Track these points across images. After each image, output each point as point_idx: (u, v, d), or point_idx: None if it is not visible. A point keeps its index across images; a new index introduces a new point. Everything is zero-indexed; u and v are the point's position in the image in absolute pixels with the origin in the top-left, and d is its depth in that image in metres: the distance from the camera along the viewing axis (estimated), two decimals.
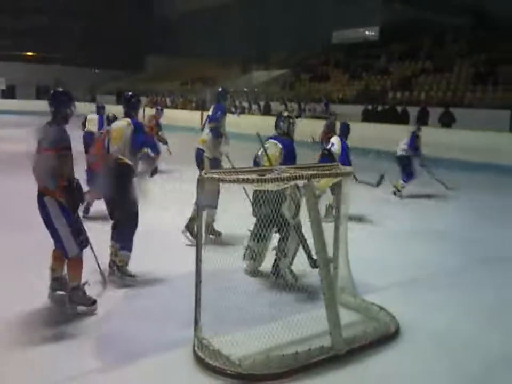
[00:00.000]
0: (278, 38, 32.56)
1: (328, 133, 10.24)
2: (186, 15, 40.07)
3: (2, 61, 36.79)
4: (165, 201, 7.17)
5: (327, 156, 6.80)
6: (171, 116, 27.07)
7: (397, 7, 28.20)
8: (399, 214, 7.78)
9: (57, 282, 4.01)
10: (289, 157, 4.79)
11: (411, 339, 3.58)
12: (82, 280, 3.94)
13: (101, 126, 8.77)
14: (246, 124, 15.11)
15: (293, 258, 4.58)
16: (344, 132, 7.34)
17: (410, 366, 3.27)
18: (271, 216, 3.98)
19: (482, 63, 20.21)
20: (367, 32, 30.05)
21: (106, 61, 38.34)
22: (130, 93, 5.02)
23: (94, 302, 3.93)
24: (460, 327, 3.84)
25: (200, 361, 3.16)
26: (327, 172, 3.92)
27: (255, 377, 3.01)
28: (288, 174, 3.52)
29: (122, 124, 4.71)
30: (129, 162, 4.55)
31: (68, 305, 3.89)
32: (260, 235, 4.47)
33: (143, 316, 3.87)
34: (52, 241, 3.86)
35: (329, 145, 7.19)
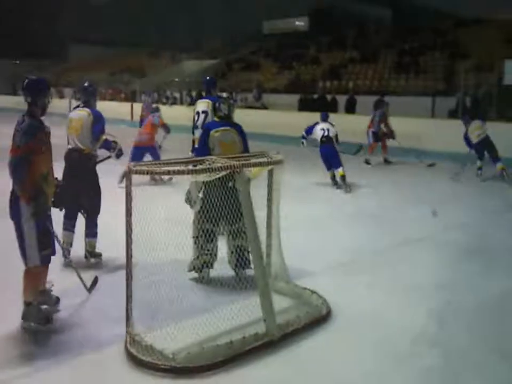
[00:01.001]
0: (210, 27, 32.27)
1: (383, 121, 11.16)
2: (113, 2, 38.74)
3: None
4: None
5: None
6: (100, 107, 26.28)
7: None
8: (330, 198, 7.99)
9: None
10: (246, 143, 4.58)
11: (342, 320, 3.69)
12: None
13: None
14: (179, 115, 14.87)
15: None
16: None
17: (341, 347, 3.38)
18: (225, 210, 3.67)
19: (404, 52, 21.08)
20: (297, 23, 30.45)
21: (27, 51, 36.32)
22: (87, 83, 5.14)
23: (48, 320, 3.57)
24: (386, 307, 3.99)
25: (133, 358, 3.09)
26: (259, 160, 3.93)
27: (189, 369, 2.99)
28: (220, 164, 3.49)
29: (82, 114, 4.85)
30: (91, 151, 4.82)
31: (22, 321, 3.54)
32: (212, 232, 4.24)
33: (73, 314, 3.74)
34: None
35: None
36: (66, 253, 4.17)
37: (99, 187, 4.88)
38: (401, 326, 3.68)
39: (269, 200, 4.00)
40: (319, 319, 3.66)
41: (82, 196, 4.74)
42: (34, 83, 3.71)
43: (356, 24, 25.26)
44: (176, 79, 27.25)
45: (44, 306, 3.67)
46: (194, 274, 4.38)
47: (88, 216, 4.83)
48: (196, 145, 5.47)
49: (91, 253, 4.83)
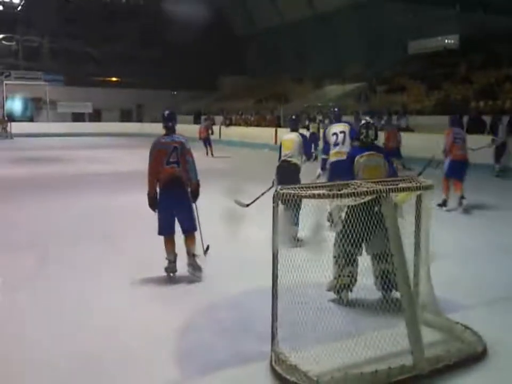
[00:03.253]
0: (353, 51, 32.22)
1: None
2: (257, 34, 40.81)
3: (88, 86, 39.39)
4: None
5: None
6: (247, 133, 27.86)
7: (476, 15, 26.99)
8: (485, 225, 7.37)
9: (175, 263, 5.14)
10: (392, 166, 4.66)
11: (498, 361, 3.37)
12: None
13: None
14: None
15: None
16: None
17: None
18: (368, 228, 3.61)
19: None
20: (446, 41, 29.05)
21: (182, 83, 39.85)
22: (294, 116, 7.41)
23: (200, 269, 5.08)
24: None
25: (277, 376, 3.16)
26: (406, 185, 3.81)
27: None
28: (365, 189, 3.47)
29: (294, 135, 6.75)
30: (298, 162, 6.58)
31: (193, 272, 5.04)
32: (352, 255, 4.19)
33: (221, 329, 3.94)
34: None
35: None
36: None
37: None
38: None
39: (417, 227, 3.84)
40: (473, 357, 3.38)
41: None
42: (172, 114, 5.34)
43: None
44: (319, 104, 27.63)
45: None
46: (334, 296, 4.36)
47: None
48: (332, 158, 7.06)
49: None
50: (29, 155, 19.23)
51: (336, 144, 7.07)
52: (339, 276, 4.30)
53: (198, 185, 5.09)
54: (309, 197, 3.63)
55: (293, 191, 3.56)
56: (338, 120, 7.58)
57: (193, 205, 5.12)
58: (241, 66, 42.12)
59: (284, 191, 3.51)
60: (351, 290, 4.35)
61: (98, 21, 38.81)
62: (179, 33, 33.92)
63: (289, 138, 6.76)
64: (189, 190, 5.07)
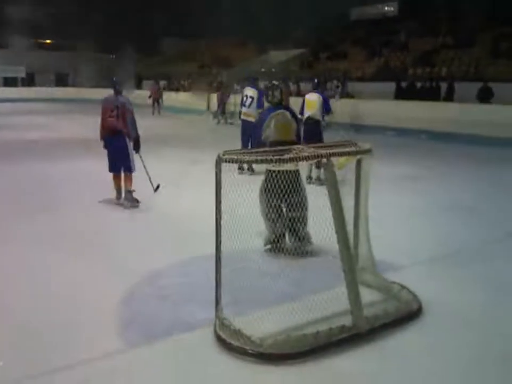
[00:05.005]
0: (296, 16, 32.00)
1: None
2: None
3: (21, 49, 37.11)
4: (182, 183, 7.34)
5: None
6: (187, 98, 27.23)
7: None
8: (417, 187, 7.67)
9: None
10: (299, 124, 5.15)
11: (433, 318, 3.54)
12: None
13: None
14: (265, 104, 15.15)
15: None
16: None
17: (432, 345, 3.23)
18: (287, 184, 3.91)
19: (503, 36, 19.59)
20: (386, 8, 29.41)
21: (121, 46, 38.32)
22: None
23: (137, 201, 6.39)
24: (482, 304, 3.78)
25: (221, 341, 3.18)
26: (346, 150, 3.86)
27: (276, 356, 3.02)
28: (307, 153, 3.47)
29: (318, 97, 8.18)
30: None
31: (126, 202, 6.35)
32: (277, 208, 4.58)
33: (164, 297, 3.90)
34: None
35: None
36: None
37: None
38: (500, 324, 3.47)
39: (357, 190, 3.91)
40: (409, 315, 3.53)
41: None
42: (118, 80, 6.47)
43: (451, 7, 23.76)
44: (262, 69, 27.42)
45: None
46: (277, 260, 4.43)
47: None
48: (242, 116, 8.97)
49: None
50: None
51: (244, 105, 8.94)
52: (273, 228, 4.69)
53: (137, 138, 6.34)
54: (251, 162, 3.61)
55: (235, 156, 3.52)
56: (252, 85, 9.11)
57: (133, 152, 6.36)
58: (182, 29, 40.88)
59: (226, 156, 3.46)
60: (285, 237, 4.77)
61: None
62: None
63: (312, 99, 8.19)
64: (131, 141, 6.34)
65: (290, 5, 32.17)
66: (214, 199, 3.26)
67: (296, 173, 4.18)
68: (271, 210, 4.61)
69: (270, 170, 4.29)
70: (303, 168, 3.72)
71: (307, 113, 8.15)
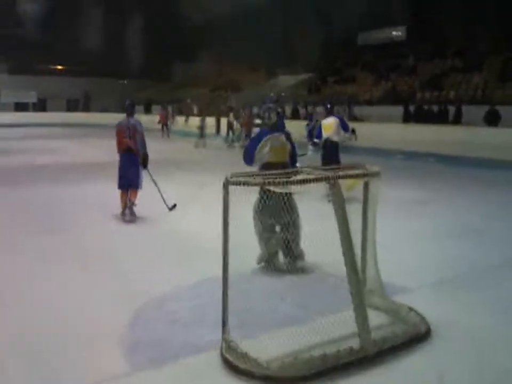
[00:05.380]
0: (304, 41, 32.45)
1: None
2: (209, 22, 40.36)
3: (33, 75, 37.85)
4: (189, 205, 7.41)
5: None
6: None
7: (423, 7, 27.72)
8: (426, 211, 7.63)
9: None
10: (294, 147, 5.22)
11: (442, 340, 3.50)
12: None
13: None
14: None
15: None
16: None
17: (441, 368, 3.20)
18: (280, 204, 4.02)
19: (511, 60, 19.72)
20: (393, 33, 29.73)
21: (132, 71, 39.05)
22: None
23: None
24: (493, 327, 3.74)
25: (228, 364, 3.16)
26: (354, 172, 3.89)
27: (284, 379, 3.00)
28: (314, 176, 3.51)
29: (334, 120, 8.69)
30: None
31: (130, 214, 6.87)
32: (271, 227, 4.72)
33: (171, 319, 3.89)
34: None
35: None
36: None
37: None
38: (505, 349, 3.42)
39: (365, 213, 3.93)
40: (418, 337, 3.50)
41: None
42: (131, 103, 7.36)
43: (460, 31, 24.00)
44: (271, 94, 27.72)
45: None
46: (283, 283, 4.41)
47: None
48: None
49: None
50: None
51: None
52: (267, 247, 4.82)
53: (145, 155, 7.04)
54: (259, 184, 3.65)
55: (242, 179, 3.56)
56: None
57: (141, 169, 7.02)
58: (193, 55, 41.58)
59: (234, 179, 3.50)
60: (277, 256, 4.90)
61: (43, 9, 37.31)
62: (127, 22, 33.15)
63: (328, 122, 8.73)
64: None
65: (299, 29, 32.68)
66: (221, 221, 3.29)
67: (288, 193, 4.26)
68: (264, 229, 4.75)
69: (263, 191, 4.29)
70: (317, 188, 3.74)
71: (325, 135, 8.67)
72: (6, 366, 3.23)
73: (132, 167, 6.95)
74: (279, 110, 6.00)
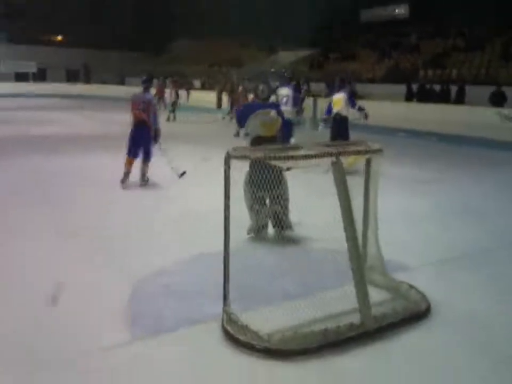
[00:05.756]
0: (305, 16, 31.92)
1: None
2: None
3: (33, 44, 37.33)
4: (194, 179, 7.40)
5: None
6: (199, 97, 27.24)
7: None
8: (428, 189, 7.62)
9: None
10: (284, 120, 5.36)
11: (442, 318, 3.52)
12: None
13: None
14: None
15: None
16: None
17: (440, 345, 3.22)
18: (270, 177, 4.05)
19: None
20: (396, 10, 29.27)
21: (132, 44, 38.53)
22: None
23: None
24: (490, 305, 3.76)
25: (228, 336, 3.18)
26: (356, 149, 3.85)
27: (283, 352, 3.01)
28: (316, 152, 3.47)
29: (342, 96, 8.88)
30: None
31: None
32: (261, 199, 4.88)
33: (171, 292, 3.90)
34: None
35: None
36: None
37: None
38: (504, 327, 3.45)
39: (366, 190, 3.91)
40: (418, 314, 3.51)
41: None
42: (148, 78, 7.64)
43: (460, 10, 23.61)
44: (272, 70, 27.39)
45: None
46: (285, 257, 4.41)
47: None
48: None
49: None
50: None
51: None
52: (257, 218, 4.95)
53: (158, 130, 7.37)
54: (261, 158, 3.61)
55: (243, 153, 3.53)
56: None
57: (153, 142, 7.35)
58: (192, 29, 40.90)
59: (234, 153, 3.47)
60: (267, 228, 5.06)
61: None
62: None
63: (337, 98, 8.92)
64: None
65: (300, 5, 32.10)
66: (222, 195, 3.27)
67: (278, 167, 4.34)
68: (255, 201, 4.92)
69: (254, 163, 4.33)
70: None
71: (334, 110, 8.90)
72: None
73: (143, 140, 7.26)
74: (294, 83, 6.55)
